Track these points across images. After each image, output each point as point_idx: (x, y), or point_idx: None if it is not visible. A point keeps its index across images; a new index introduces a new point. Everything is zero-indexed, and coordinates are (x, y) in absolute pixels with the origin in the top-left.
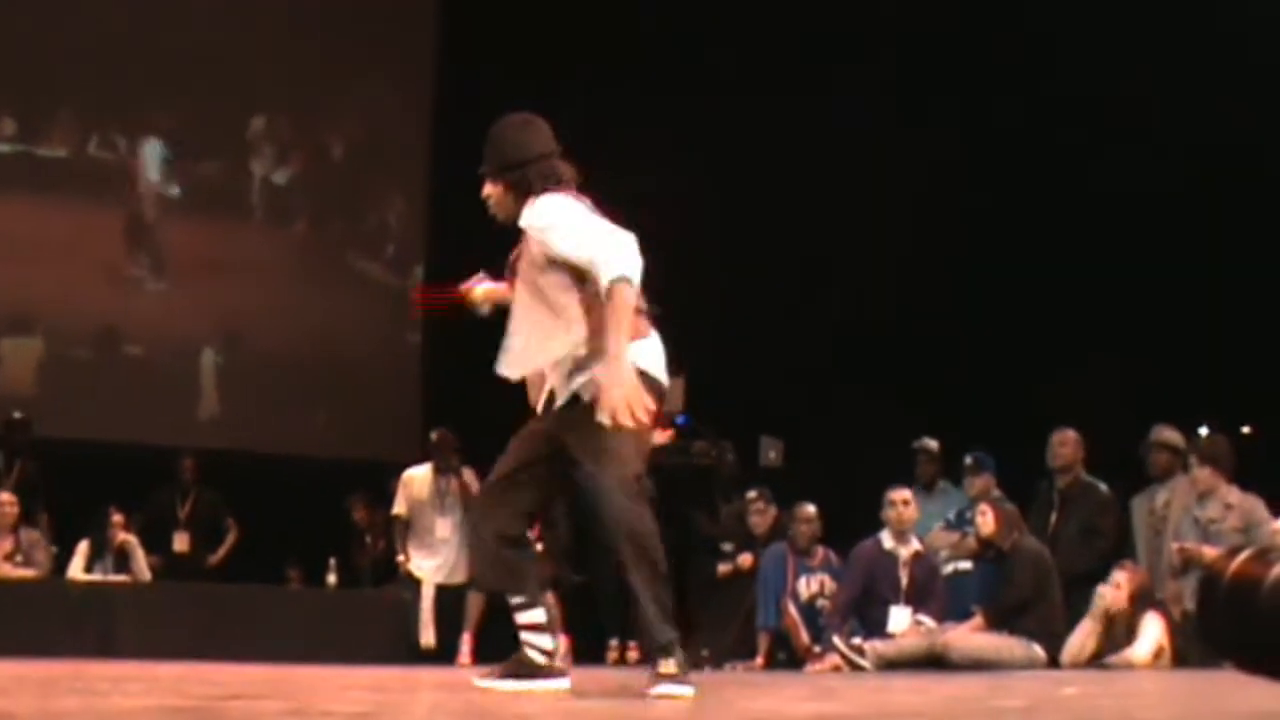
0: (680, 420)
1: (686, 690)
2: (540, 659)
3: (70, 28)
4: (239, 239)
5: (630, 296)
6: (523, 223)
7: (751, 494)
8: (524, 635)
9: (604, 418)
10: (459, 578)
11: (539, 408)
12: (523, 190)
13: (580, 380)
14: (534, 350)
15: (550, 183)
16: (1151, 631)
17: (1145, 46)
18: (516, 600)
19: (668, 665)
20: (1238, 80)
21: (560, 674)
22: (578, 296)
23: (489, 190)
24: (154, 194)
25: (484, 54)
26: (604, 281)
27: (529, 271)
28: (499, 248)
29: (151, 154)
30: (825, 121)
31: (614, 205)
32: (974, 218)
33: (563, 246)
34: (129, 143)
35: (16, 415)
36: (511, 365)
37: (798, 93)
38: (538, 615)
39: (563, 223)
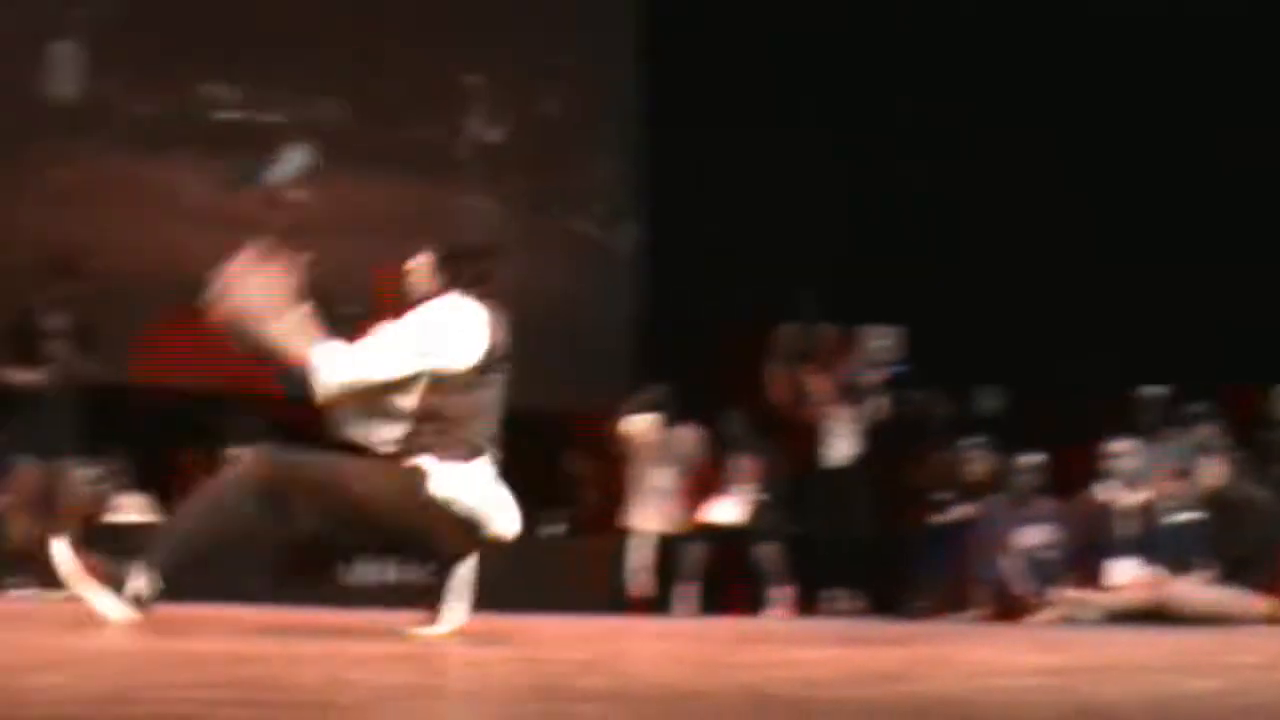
0: (898, 369)
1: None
2: None
3: None
4: (451, 198)
5: (321, 387)
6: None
7: (968, 443)
8: None
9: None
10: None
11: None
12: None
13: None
14: (361, 417)
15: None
16: None
17: None
18: None
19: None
20: None
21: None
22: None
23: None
24: (370, 155)
25: (697, 8)
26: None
27: None
28: (709, 205)
29: (362, 117)
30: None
31: (812, 151)
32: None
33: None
34: (339, 106)
35: None
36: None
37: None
38: None
39: (419, 326)
